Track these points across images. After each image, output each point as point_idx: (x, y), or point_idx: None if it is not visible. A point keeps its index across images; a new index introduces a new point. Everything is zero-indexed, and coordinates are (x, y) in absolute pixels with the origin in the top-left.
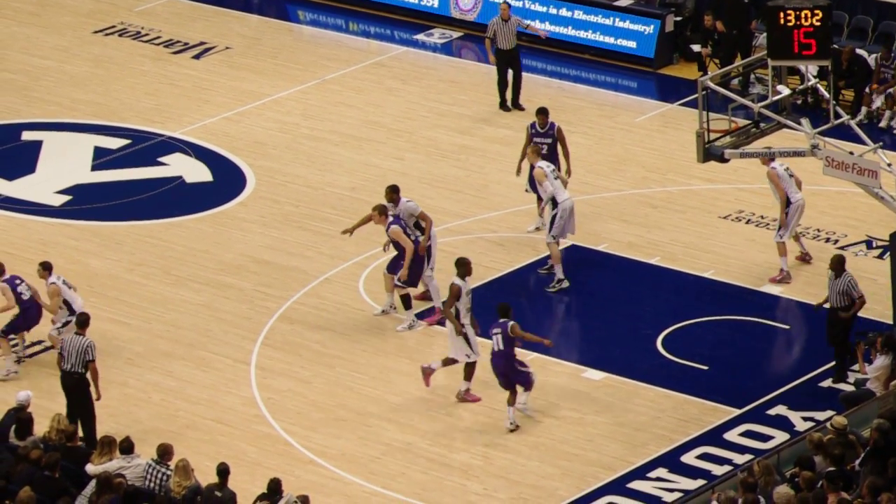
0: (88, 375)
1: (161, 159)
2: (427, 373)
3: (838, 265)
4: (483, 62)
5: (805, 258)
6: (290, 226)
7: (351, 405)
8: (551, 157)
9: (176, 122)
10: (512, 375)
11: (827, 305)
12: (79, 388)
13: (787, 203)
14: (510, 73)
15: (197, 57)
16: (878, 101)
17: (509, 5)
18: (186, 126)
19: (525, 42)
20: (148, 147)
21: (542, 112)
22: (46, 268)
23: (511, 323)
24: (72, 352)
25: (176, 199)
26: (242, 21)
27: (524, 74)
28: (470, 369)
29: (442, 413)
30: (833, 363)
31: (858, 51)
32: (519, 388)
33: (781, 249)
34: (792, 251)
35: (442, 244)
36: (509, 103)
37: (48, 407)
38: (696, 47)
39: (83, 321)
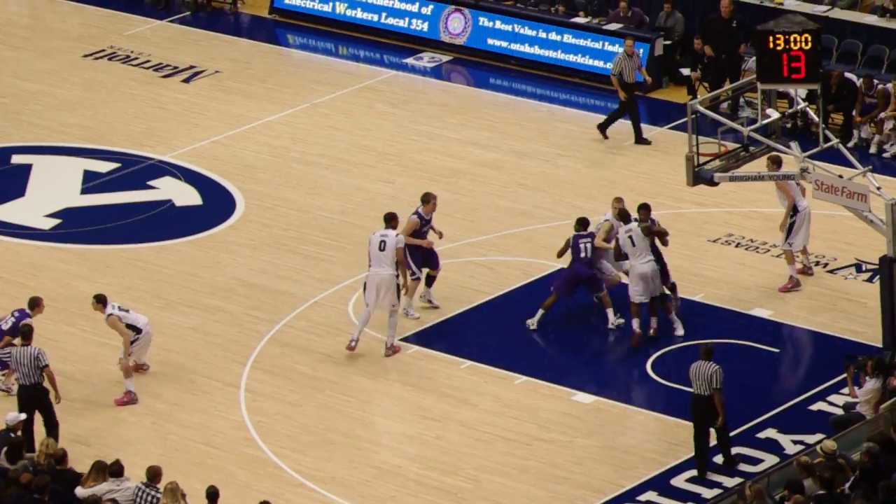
0: (45, 383)
1: (150, 183)
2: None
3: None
4: (472, 86)
5: (806, 271)
6: (279, 249)
7: (341, 428)
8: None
9: (165, 145)
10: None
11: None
12: (40, 399)
13: (794, 211)
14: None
15: (186, 81)
16: (865, 131)
17: (634, 40)
18: (176, 150)
19: (514, 66)
20: (137, 171)
21: (644, 208)
22: (101, 301)
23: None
24: (24, 363)
25: (165, 223)
26: (232, 45)
27: (514, 98)
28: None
29: (432, 436)
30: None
31: (847, 74)
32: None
33: (789, 258)
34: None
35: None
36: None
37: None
38: (685, 71)
39: (27, 332)
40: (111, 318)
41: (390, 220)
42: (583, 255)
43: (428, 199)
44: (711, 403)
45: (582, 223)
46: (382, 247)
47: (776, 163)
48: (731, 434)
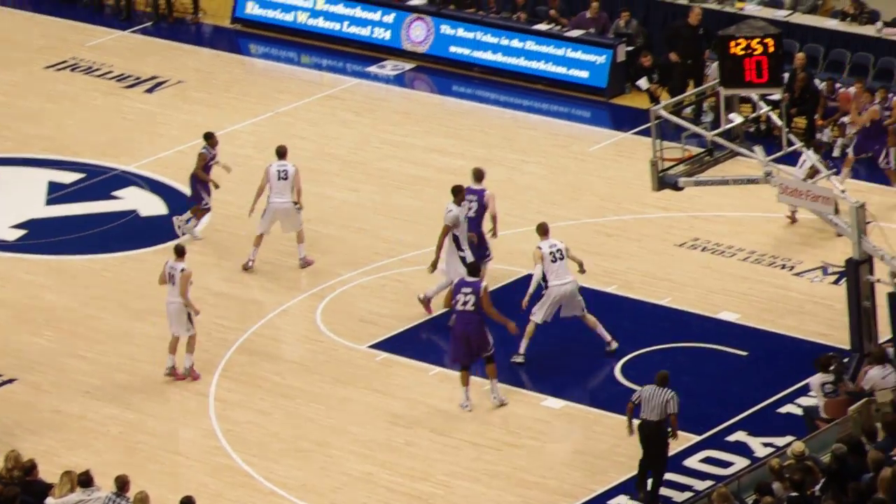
0: None
1: (115, 193)
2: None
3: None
4: (435, 93)
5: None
6: (245, 258)
7: (311, 436)
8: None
9: (130, 156)
10: (479, 341)
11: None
12: None
13: None
14: None
15: (150, 91)
16: (826, 135)
17: (709, 51)
18: (140, 160)
19: (477, 73)
20: (102, 181)
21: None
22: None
23: (484, 284)
24: None
25: (131, 233)
26: (195, 55)
27: (478, 105)
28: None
29: (402, 443)
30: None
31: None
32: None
33: None
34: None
35: (398, 275)
36: None
37: (8, 443)
38: (642, 84)
39: None
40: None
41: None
42: (460, 307)
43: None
44: (660, 429)
45: (473, 269)
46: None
47: None
48: (701, 437)
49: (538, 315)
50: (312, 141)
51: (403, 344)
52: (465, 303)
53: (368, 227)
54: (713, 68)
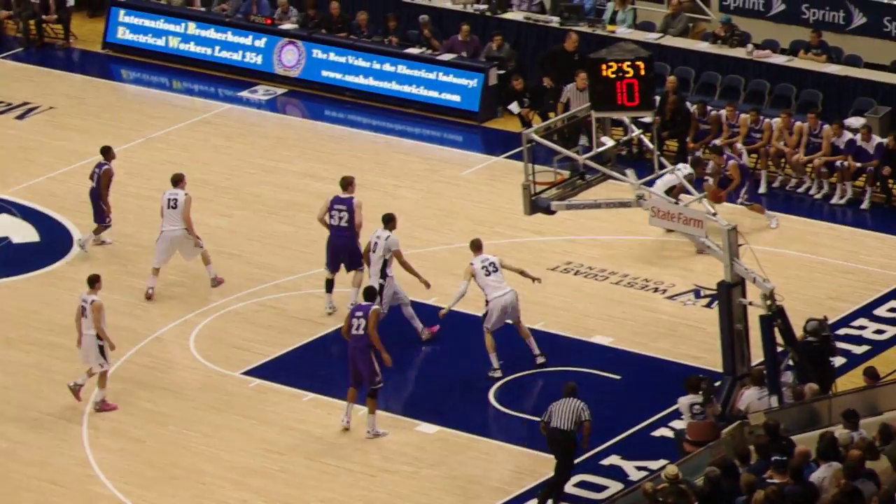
0: None
1: None
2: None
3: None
4: (307, 118)
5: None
6: (118, 285)
7: (184, 463)
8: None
9: (1, 183)
10: (365, 366)
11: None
12: None
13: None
14: None
15: (21, 117)
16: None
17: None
18: (12, 187)
19: (349, 98)
20: None
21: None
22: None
23: (375, 308)
24: None
25: (2, 261)
26: (66, 81)
27: (350, 130)
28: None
29: (276, 469)
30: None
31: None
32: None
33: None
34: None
35: (271, 300)
36: None
37: None
38: (514, 108)
39: None
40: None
41: (388, 221)
42: (354, 331)
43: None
44: (568, 437)
45: (368, 293)
46: (374, 248)
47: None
48: (576, 462)
49: (491, 328)
50: (184, 167)
51: (277, 370)
52: (357, 327)
53: (241, 252)
54: (568, 89)
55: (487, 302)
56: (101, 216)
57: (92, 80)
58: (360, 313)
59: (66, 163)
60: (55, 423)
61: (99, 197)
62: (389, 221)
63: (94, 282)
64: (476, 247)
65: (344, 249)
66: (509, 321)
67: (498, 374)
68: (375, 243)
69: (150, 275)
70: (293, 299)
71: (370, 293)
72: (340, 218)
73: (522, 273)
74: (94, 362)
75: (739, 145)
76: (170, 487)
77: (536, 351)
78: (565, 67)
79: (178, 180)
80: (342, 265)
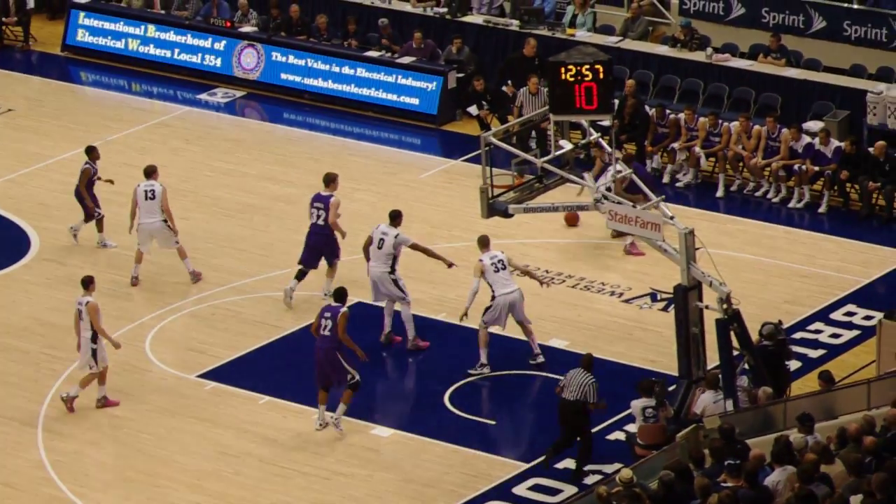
0: None
1: None
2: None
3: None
4: (266, 121)
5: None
6: (75, 287)
7: (139, 466)
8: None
9: None
10: (332, 369)
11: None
12: None
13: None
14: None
15: None
16: (656, 161)
17: (539, 79)
18: None
19: (308, 100)
20: None
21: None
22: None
23: (344, 310)
24: None
25: None
26: (24, 83)
27: (308, 133)
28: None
29: (231, 472)
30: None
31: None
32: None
33: None
34: None
35: (228, 303)
36: None
37: None
38: (473, 110)
39: None
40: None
41: (395, 217)
42: (322, 331)
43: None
44: (579, 409)
45: (339, 294)
46: (381, 244)
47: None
48: (530, 465)
49: (490, 324)
50: (142, 169)
51: (233, 373)
52: (324, 327)
53: (198, 255)
54: (521, 93)
55: (493, 297)
56: (87, 214)
57: (51, 83)
58: (328, 314)
59: (24, 165)
60: (9, 425)
61: (80, 196)
62: (396, 218)
63: (87, 283)
64: (483, 243)
65: (325, 247)
66: (499, 324)
67: (486, 370)
68: (382, 240)
69: (135, 263)
70: (249, 302)
71: (340, 294)
72: (318, 216)
73: (528, 274)
74: (85, 364)
75: (698, 149)
76: (124, 490)
77: (536, 350)
78: (525, 73)
79: (151, 172)
80: (322, 260)
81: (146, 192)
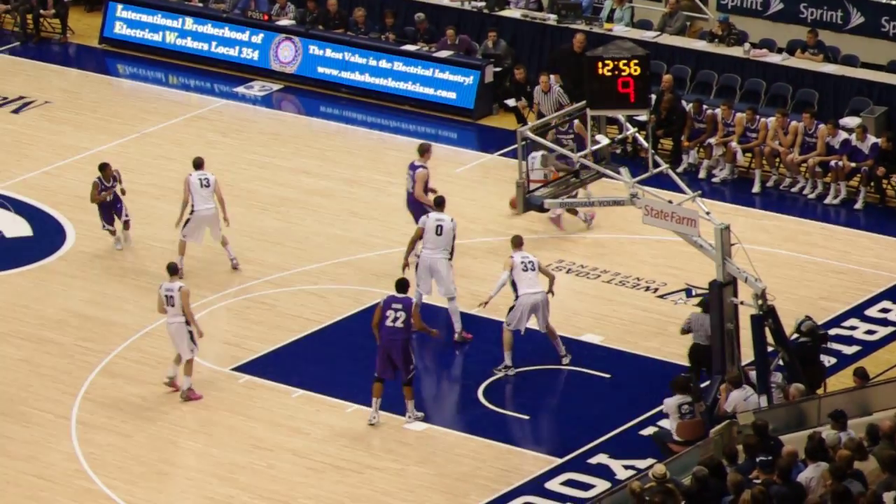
0: None
1: None
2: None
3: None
4: (303, 114)
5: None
6: (110, 280)
7: (172, 459)
8: None
9: None
10: (401, 359)
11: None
12: None
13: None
14: None
15: (16, 111)
16: (692, 156)
17: (549, 77)
18: (5, 181)
19: (345, 94)
20: None
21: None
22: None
23: (416, 300)
24: None
25: None
26: (62, 75)
27: (345, 126)
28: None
29: (263, 465)
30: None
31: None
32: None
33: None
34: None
35: (263, 297)
36: None
37: None
38: (510, 102)
39: None
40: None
41: (441, 203)
42: (390, 322)
43: None
44: (709, 352)
45: (402, 285)
46: (439, 231)
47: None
48: (563, 460)
49: (513, 325)
50: (179, 162)
51: (267, 366)
52: (395, 319)
53: (234, 248)
54: (536, 91)
55: (517, 297)
56: (108, 219)
57: (88, 75)
58: (398, 305)
59: (60, 157)
60: (43, 418)
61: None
62: (442, 204)
63: (175, 269)
64: (517, 243)
65: (416, 213)
66: (531, 324)
67: (509, 372)
68: (440, 226)
69: (179, 255)
70: (284, 295)
71: (403, 285)
72: (410, 184)
73: (550, 283)
74: (185, 349)
75: (734, 144)
76: (157, 483)
77: (562, 351)
78: (571, 67)
79: (200, 163)
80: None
81: (200, 180)
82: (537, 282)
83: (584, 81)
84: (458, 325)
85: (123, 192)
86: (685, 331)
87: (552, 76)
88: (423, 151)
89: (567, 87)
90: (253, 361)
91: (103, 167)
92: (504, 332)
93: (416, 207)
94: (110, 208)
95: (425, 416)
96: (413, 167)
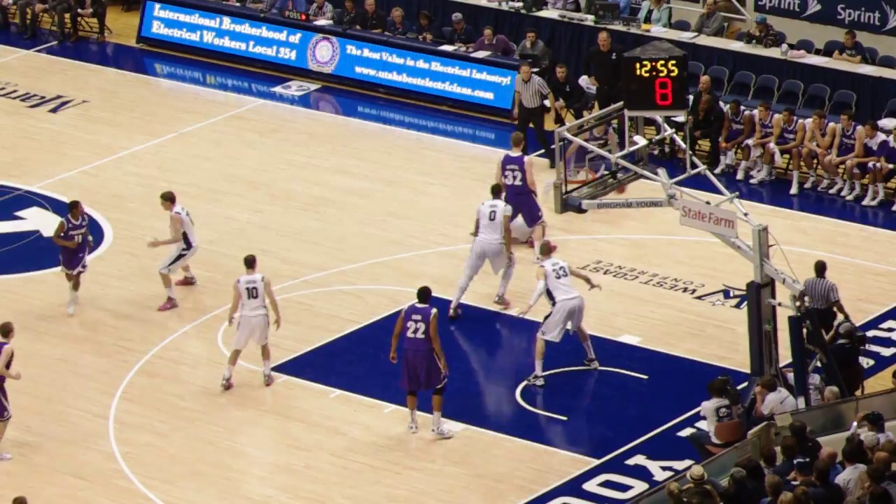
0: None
1: (18, 213)
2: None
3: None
4: (340, 114)
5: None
6: (148, 279)
7: (210, 458)
8: None
9: (33, 176)
10: (426, 372)
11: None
12: None
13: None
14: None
15: (54, 111)
16: (730, 157)
17: (530, 66)
18: (44, 180)
19: (382, 94)
20: (5, 201)
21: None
22: (169, 198)
23: (434, 311)
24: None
25: (33, 254)
26: (100, 75)
27: (383, 126)
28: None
29: (301, 465)
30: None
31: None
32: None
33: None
34: None
35: (300, 297)
36: None
37: None
38: (547, 102)
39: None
40: (175, 216)
41: (497, 191)
42: (410, 334)
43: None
44: (826, 315)
45: (424, 294)
46: (493, 216)
47: None
48: (601, 461)
49: (550, 334)
50: (216, 161)
51: (304, 366)
52: (415, 330)
53: (272, 248)
54: (517, 80)
55: (554, 304)
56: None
57: (126, 75)
58: (417, 316)
59: (98, 157)
60: (81, 417)
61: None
62: (499, 192)
63: (252, 263)
64: (547, 250)
65: (523, 206)
66: (569, 328)
67: (539, 381)
68: (493, 212)
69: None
70: (322, 296)
71: (425, 294)
72: (514, 177)
73: (587, 280)
74: (265, 337)
75: (772, 145)
76: (195, 482)
77: (591, 355)
78: (602, 67)
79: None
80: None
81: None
82: (572, 286)
83: (618, 82)
84: (502, 289)
85: (91, 244)
86: (801, 295)
87: (586, 77)
88: (518, 142)
89: (601, 86)
90: (290, 361)
91: (73, 205)
92: (537, 341)
93: (522, 200)
94: (76, 252)
95: (452, 436)
96: (514, 160)
